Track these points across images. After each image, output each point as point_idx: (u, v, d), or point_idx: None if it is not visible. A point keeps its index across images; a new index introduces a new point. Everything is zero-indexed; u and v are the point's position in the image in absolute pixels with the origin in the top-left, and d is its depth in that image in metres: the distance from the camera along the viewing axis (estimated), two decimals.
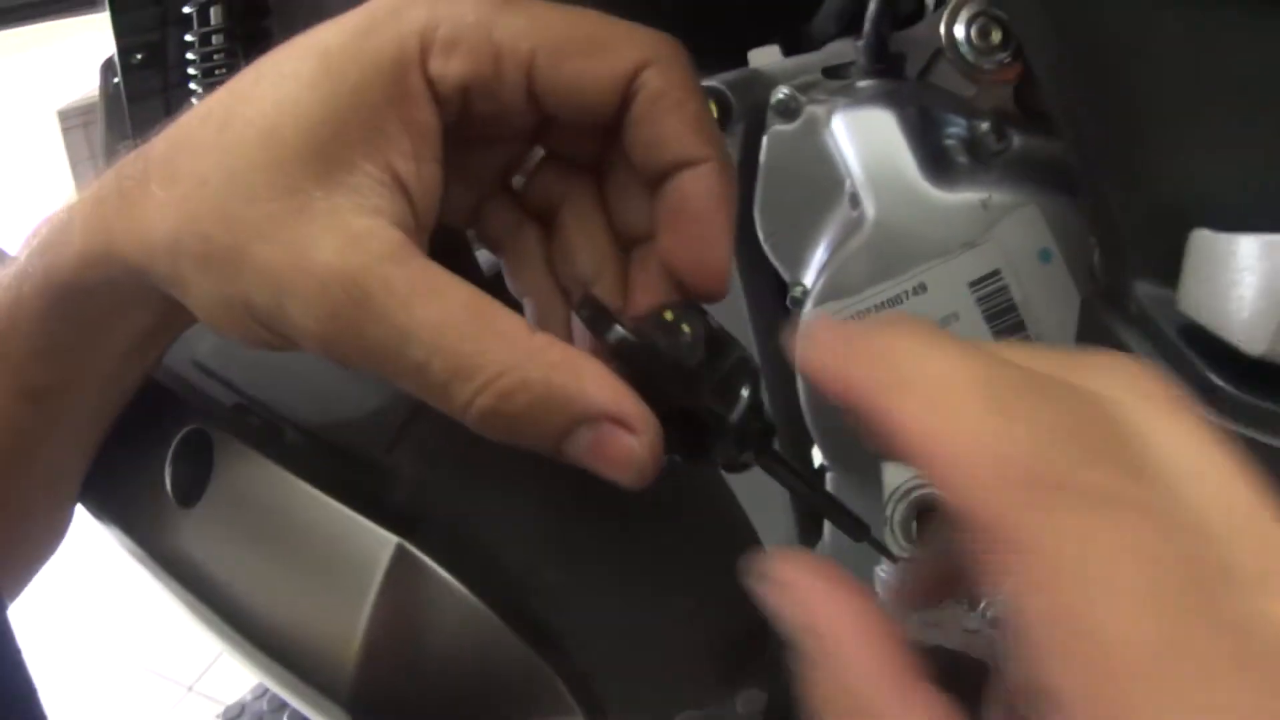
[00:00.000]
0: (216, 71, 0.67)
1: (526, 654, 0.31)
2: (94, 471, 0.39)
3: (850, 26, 0.44)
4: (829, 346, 0.22)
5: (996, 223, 0.37)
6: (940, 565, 0.25)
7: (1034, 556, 0.18)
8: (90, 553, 0.63)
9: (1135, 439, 0.19)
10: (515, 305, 0.31)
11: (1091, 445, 0.19)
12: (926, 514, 0.39)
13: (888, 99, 0.39)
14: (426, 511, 0.33)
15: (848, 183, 0.39)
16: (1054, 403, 0.19)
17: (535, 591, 0.33)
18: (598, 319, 0.28)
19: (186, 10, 0.65)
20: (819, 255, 0.40)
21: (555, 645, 0.32)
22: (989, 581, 0.19)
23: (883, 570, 0.41)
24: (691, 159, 0.29)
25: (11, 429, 0.35)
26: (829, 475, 0.42)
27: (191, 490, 0.37)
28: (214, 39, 0.66)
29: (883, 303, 0.37)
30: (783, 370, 0.43)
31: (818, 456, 0.43)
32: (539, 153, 0.33)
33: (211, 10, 0.65)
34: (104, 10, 0.67)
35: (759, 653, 0.34)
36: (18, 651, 0.32)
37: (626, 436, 0.26)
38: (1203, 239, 0.27)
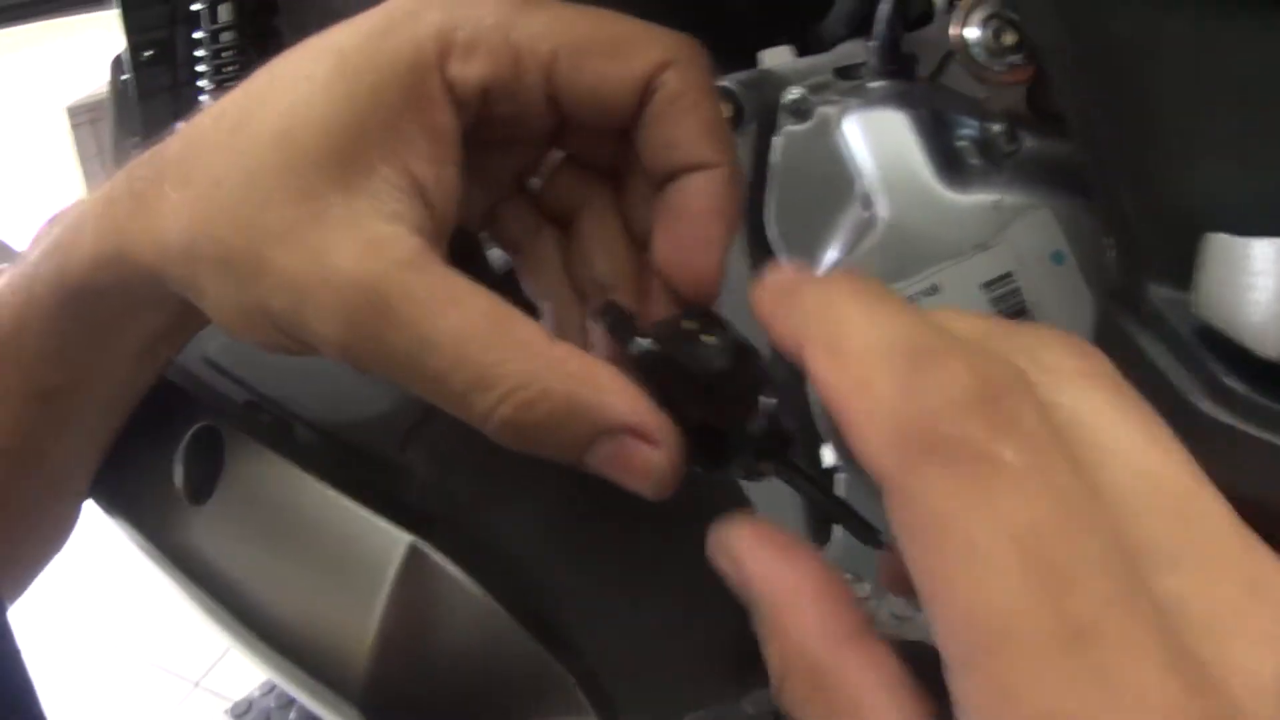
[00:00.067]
0: (225, 69, 0.67)
1: (539, 653, 0.31)
2: (105, 467, 0.39)
3: (861, 28, 0.44)
4: (776, 295, 0.23)
5: (1009, 225, 0.37)
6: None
7: (921, 520, 0.18)
8: (98, 548, 0.63)
9: (1052, 411, 0.19)
10: (527, 305, 0.31)
11: (997, 413, 0.18)
12: None
13: (900, 100, 0.39)
14: (440, 510, 0.33)
15: (859, 183, 0.39)
16: (969, 369, 0.19)
17: (548, 591, 0.33)
18: (618, 327, 0.28)
19: (196, 7, 0.65)
20: (831, 256, 0.40)
21: (567, 644, 0.32)
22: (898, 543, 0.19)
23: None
24: (701, 162, 0.29)
25: (21, 428, 0.35)
26: (840, 477, 0.42)
27: (202, 487, 0.37)
28: (223, 37, 0.66)
29: None
30: (793, 371, 0.42)
31: (827, 457, 0.43)
32: (557, 156, 0.32)
33: (220, 8, 0.65)
34: (112, 7, 0.67)
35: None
36: (17, 653, 0.31)
37: (647, 448, 0.26)
38: (1217, 242, 0.27)
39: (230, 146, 0.28)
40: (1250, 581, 0.17)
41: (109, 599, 1.89)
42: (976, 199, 0.37)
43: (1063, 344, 0.21)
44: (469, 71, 0.28)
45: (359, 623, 0.32)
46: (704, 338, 0.27)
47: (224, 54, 0.67)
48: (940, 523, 0.18)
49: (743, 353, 0.28)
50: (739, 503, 0.38)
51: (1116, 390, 0.20)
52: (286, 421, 0.37)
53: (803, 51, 0.45)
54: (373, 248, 0.26)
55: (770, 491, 0.36)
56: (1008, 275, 0.37)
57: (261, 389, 0.39)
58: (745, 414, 0.27)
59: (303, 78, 0.28)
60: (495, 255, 0.39)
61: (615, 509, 0.33)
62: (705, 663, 0.35)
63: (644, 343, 0.27)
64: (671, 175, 0.29)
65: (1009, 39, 0.40)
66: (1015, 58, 0.40)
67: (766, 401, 0.27)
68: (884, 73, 0.41)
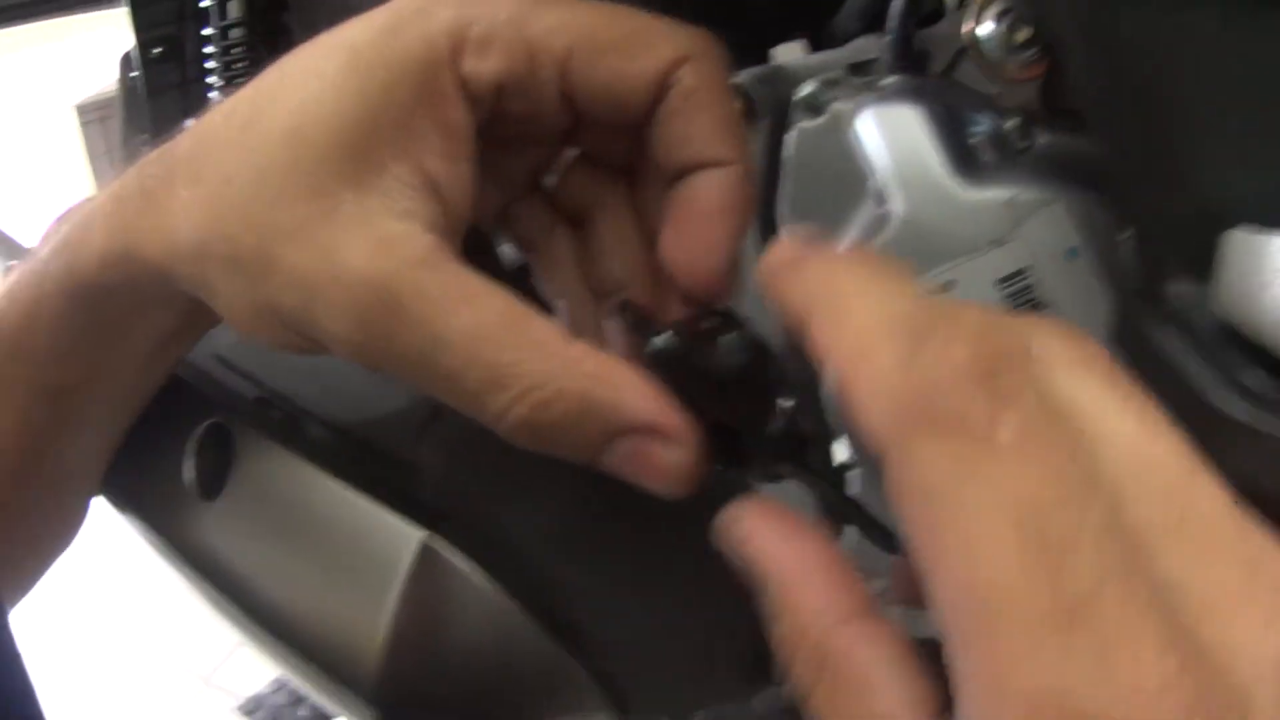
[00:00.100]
0: (235, 66, 0.67)
1: (553, 649, 0.31)
2: (115, 463, 0.39)
3: (873, 24, 0.44)
4: (782, 267, 0.23)
5: (1023, 221, 0.37)
6: None
7: (917, 493, 0.18)
8: (108, 545, 0.63)
9: (1052, 390, 0.19)
10: (540, 304, 0.31)
11: (996, 387, 0.18)
12: None
13: (914, 95, 0.39)
14: (453, 506, 0.33)
15: (873, 180, 0.38)
16: (969, 342, 0.19)
17: (560, 587, 0.33)
18: (636, 326, 0.28)
19: (205, 4, 0.65)
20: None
21: (581, 642, 0.32)
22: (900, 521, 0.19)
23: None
24: (715, 159, 0.29)
25: (30, 426, 0.35)
26: (857, 472, 0.42)
27: (213, 483, 0.37)
28: (232, 33, 0.66)
29: None
30: (806, 368, 0.42)
31: (840, 454, 0.43)
32: (571, 154, 0.32)
33: (229, 4, 0.65)
34: (121, 5, 0.67)
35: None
36: (17, 654, 0.31)
37: (666, 448, 0.26)
38: (1237, 239, 0.27)
39: (241, 144, 0.28)
40: (1249, 563, 0.17)
41: (119, 596, 1.90)
42: (990, 195, 0.37)
43: (1060, 333, 0.21)
44: (483, 67, 0.28)
45: (371, 619, 0.32)
46: (721, 336, 0.27)
47: (233, 51, 0.67)
48: (936, 495, 0.18)
49: (760, 352, 0.27)
50: None
51: (1113, 378, 0.20)
52: (297, 417, 0.37)
53: (815, 48, 0.44)
54: (384, 245, 0.26)
55: (785, 495, 0.36)
56: (1022, 271, 0.36)
57: (272, 385, 0.39)
58: (762, 414, 0.27)
59: (314, 74, 0.28)
60: (506, 252, 0.39)
61: (627, 506, 0.33)
62: (716, 661, 0.35)
63: (660, 341, 0.27)
64: (684, 172, 0.29)
65: (1022, 35, 0.39)
66: (1028, 54, 0.39)
67: (784, 403, 0.27)
68: (897, 69, 0.41)
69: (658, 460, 0.26)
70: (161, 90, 0.71)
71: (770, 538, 0.22)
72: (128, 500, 0.40)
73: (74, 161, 2.36)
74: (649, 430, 0.26)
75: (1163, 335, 0.29)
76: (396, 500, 0.33)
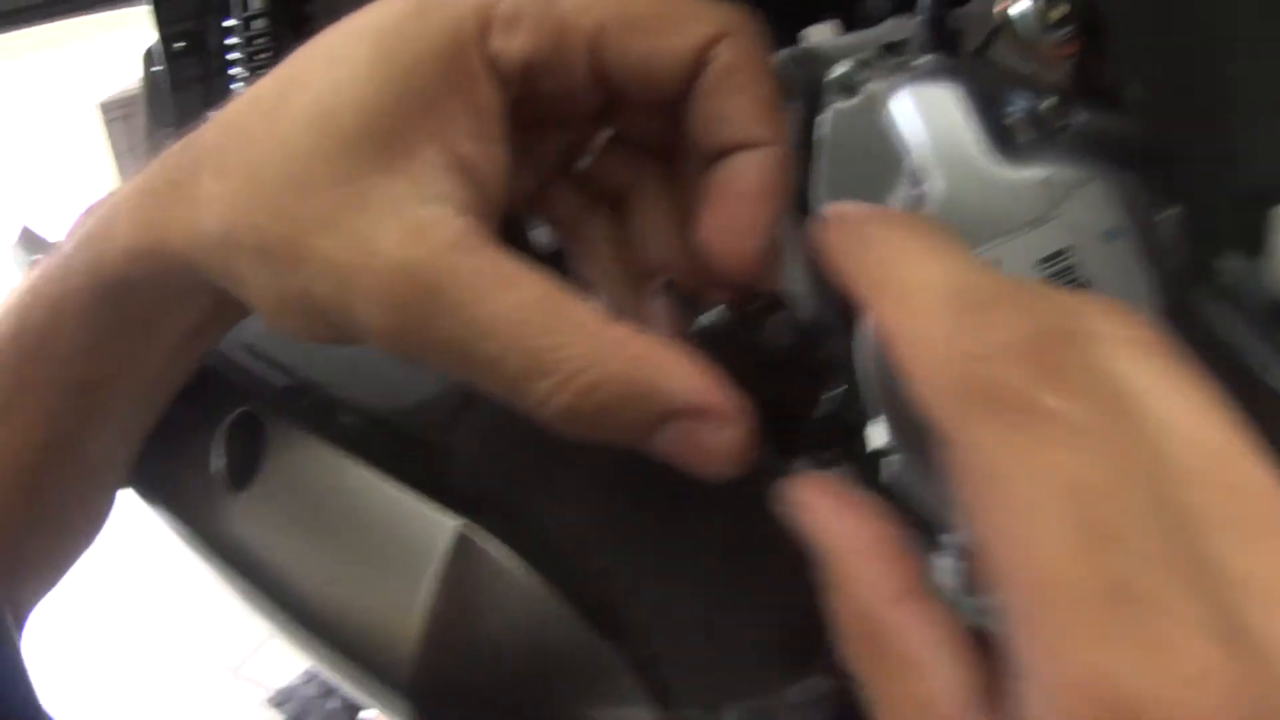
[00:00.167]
0: (258, 57, 0.67)
1: (591, 639, 0.31)
2: (144, 454, 0.39)
3: (905, 3, 0.44)
4: (836, 234, 0.23)
5: (1062, 201, 0.36)
6: None
7: (973, 471, 0.18)
8: (136, 537, 0.63)
9: (1106, 371, 0.19)
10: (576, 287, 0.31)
11: (1056, 368, 0.18)
12: None
13: (949, 74, 0.38)
14: (488, 494, 0.33)
15: (908, 160, 0.38)
16: (1025, 317, 0.19)
17: (598, 576, 0.32)
18: (679, 307, 0.27)
19: None
20: None
21: (619, 631, 0.32)
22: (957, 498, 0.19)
23: (939, 559, 0.40)
24: (753, 140, 0.28)
25: (56, 421, 0.35)
26: (895, 458, 0.41)
27: (243, 473, 0.37)
28: (255, 24, 0.66)
29: None
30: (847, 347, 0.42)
31: (875, 439, 0.42)
32: (605, 135, 0.32)
33: None
34: (141, 2, 0.67)
35: (820, 644, 0.33)
36: (17, 655, 0.31)
37: (717, 430, 0.25)
38: None
39: (267, 132, 0.27)
40: None
41: (148, 588, 1.92)
42: (1028, 174, 0.36)
43: (1116, 313, 0.20)
44: (511, 46, 0.27)
45: (406, 609, 0.31)
46: (766, 318, 0.27)
47: (256, 41, 0.66)
48: (990, 473, 0.18)
49: (809, 334, 0.27)
50: None
51: (1167, 359, 0.20)
52: (328, 405, 0.37)
53: (847, 28, 0.44)
54: (417, 231, 0.25)
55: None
56: (1063, 252, 0.36)
57: (302, 373, 0.38)
58: (810, 397, 0.26)
59: (339, 59, 0.27)
60: (539, 237, 0.38)
61: (664, 491, 0.33)
62: (754, 652, 0.35)
63: (708, 318, 0.26)
64: (721, 153, 0.28)
65: (1056, 13, 0.39)
66: (1063, 32, 0.39)
67: (831, 392, 0.26)
68: (931, 48, 0.40)
69: (708, 443, 0.25)
70: (185, 84, 0.71)
71: (829, 511, 0.22)
72: (156, 491, 0.40)
73: (99, 160, 2.38)
74: (700, 411, 0.25)
75: (1212, 312, 0.29)
76: (430, 488, 0.33)
